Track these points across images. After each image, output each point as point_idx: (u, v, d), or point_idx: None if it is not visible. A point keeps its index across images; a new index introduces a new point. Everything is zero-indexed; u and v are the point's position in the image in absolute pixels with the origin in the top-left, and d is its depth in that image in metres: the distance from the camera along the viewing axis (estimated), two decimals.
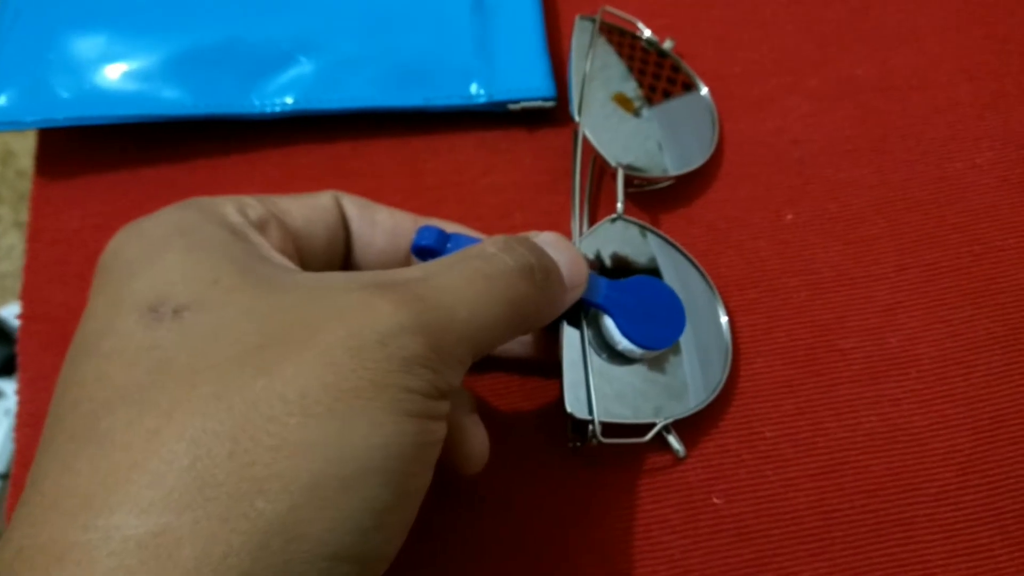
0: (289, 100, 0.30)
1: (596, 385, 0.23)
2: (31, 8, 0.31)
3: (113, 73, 0.30)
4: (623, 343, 0.23)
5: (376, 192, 0.30)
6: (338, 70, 0.30)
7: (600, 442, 0.23)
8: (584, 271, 0.22)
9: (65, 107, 0.29)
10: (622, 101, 0.29)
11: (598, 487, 0.25)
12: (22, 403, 0.27)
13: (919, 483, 0.24)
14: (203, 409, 0.15)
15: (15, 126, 0.30)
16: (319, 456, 0.15)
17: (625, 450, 0.25)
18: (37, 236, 0.30)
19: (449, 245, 0.22)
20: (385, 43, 0.31)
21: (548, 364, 0.25)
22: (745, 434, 0.25)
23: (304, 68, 0.30)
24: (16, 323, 0.29)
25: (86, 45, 0.30)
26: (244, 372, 0.15)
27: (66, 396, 0.16)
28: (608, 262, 0.26)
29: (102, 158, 0.31)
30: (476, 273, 0.19)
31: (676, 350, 0.25)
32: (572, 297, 0.22)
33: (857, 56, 0.32)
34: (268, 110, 0.30)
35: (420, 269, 0.19)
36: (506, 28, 0.31)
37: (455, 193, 0.30)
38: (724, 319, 0.26)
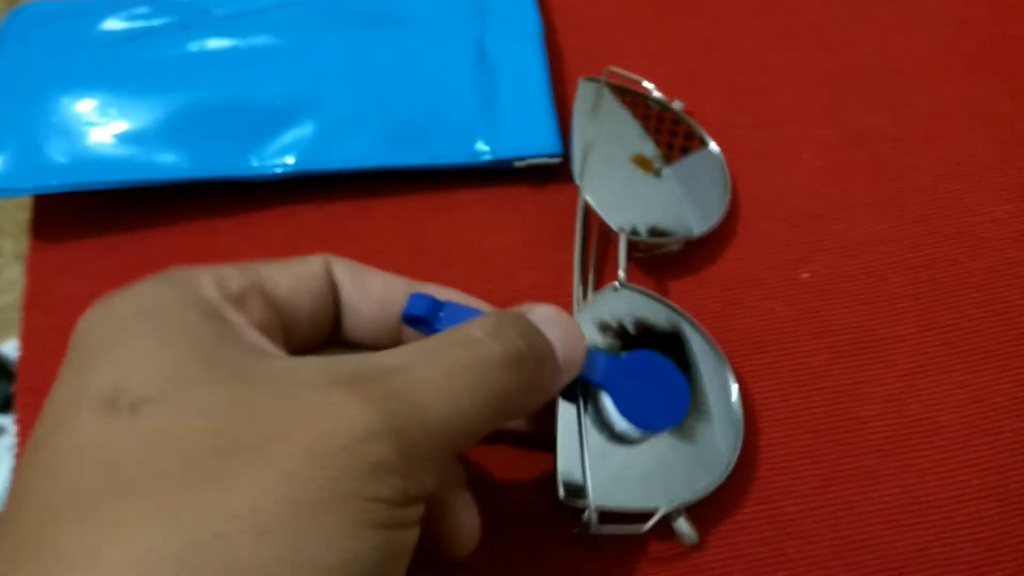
0: (290, 160, 0.29)
1: (593, 467, 0.22)
2: (24, 72, 0.30)
3: (109, 137, 0.29)
4: (622, 424, 0.22)
5: (378, 253, 0.29)
6: (339, 129, 0.30)
7: (596, 533, 0.22)
8: (581, 349, 0.21)
9: (61, 173, 0.29)
10: (641, 162, 0.28)
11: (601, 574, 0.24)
12: None
13: (946, 559, 0.24)
14: (150, 524, 0.14)
15: (11, 193, 0.29)
16: None
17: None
18: (34, 304, 0.29)
19: (441, 314, 0.22)
20: (387, 101, 0.30)
21: (544, 438, 0.25)
22: (765, 510, 0.24)
23: (304, 128, 0.30)
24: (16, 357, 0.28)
25: (81, 109, 0.30)
26: (194, 483, 0.15)
27: (16, 498, 0.16)
28: (609, 333, 0.25)
29: (99, 221, 0.30)
30: (457, 364, 0.18)
31: (684, 427, 0.24)
32: (567, 377, 0.21)
33: (869, 105, 0.31)
34: (268, 172, 0.29)
35: (400, 355, 0.18)
36: (510, 84, 0.30)
37: (459, 253, 0.29)
38: (735, 391, 0.25)
